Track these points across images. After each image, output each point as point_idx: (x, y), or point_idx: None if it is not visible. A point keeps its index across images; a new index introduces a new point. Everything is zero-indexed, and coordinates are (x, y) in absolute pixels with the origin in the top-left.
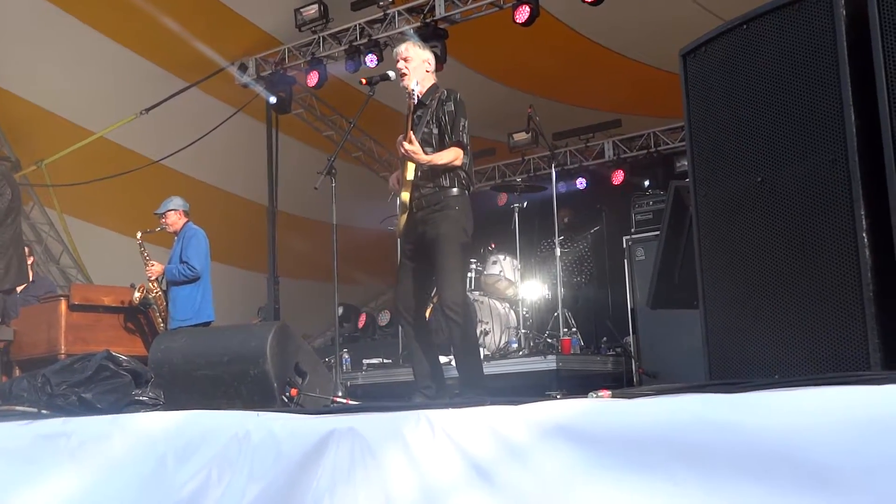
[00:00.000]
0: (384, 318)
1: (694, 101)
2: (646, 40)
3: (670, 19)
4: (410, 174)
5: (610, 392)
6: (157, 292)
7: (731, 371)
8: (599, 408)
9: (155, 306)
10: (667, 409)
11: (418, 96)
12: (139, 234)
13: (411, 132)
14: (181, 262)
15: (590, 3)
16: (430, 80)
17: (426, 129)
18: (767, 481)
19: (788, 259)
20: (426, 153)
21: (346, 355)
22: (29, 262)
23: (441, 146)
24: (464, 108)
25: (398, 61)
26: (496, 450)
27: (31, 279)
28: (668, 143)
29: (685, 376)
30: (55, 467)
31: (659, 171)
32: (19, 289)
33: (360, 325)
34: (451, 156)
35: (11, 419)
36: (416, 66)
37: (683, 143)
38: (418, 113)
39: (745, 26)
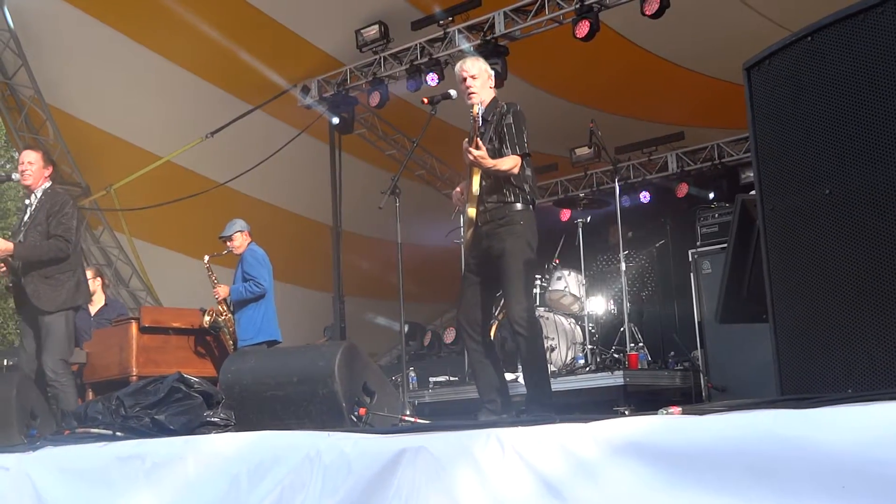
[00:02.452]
0: (449, 336)
1: (759, 114)
2: (706, 51)
3: (729, 29)
4: (476, 188)
5: (680, 408)
6: (226, 315)
7: (803, 386)
8: (670, 424)
9: (225, 329)
10: (739, 425)
11: (481, 113)
12: (206, 258)
13: (478, 139)
14: (245, 280)
15: (649, 16)
16: (491, 94)
17: (489, 145)
18: (844, 498)
19: (860, 271)
20: None
21: (412, 373)
22: (98, 283)
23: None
24: (523, 118)
25: (464, 79)
26: (567, 467)
27: (104, 302)
28: (732, 155)
29: (755, 390)
30: (131, 489)
31: (723, 183)
32: (93, 312)
33: (426, 342)
34: (511, 163)
35: (88, 441)
36: (483, 83)
37: (748, 155)
38: (481, 128)
39: (809, 38)
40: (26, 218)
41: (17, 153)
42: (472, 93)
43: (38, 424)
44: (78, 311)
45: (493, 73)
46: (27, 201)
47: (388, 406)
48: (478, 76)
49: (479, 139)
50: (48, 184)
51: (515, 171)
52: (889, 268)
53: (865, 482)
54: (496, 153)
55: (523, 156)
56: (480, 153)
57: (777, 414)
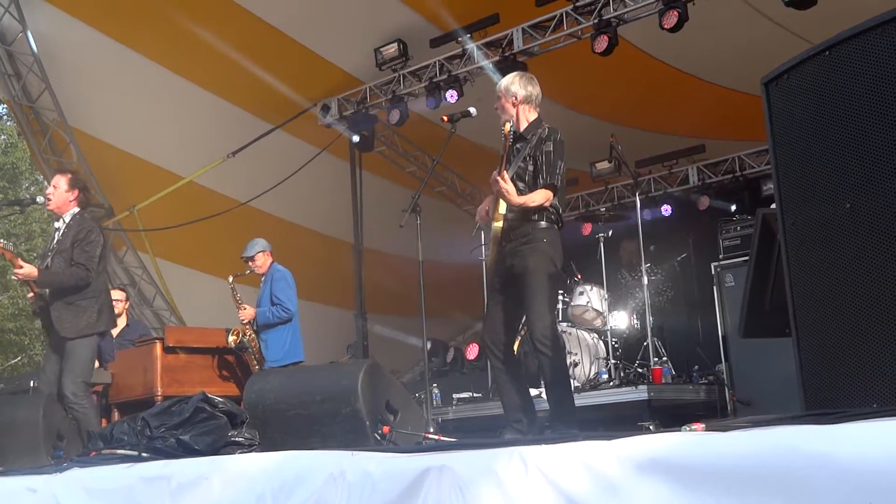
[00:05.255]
0: (472, 352)
1: (778, 129)
2: (725, 63)
3: (748, 41)
4: (502, 208)
5: (703, 425)
6: (251, 335)
7: (826, 401)
8: (693, 441)
9: (250, 349)
10: (762, 441)
11: (516, 131)
12: (231, 279)
13: (505, 171)
14: (273, 303)
15: (668, 30)
16: (532, 114)
17: (521, 164)
18: None
19: (882, 285)
20: (518, 189)
21: (435, 390)
22: (125, 305)
23: (534, 183)
24: (562, 149)
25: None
26: (590, 485)
27: (126, 323)
28: (753, 167)
29: (780, 403)
30: None
31: (745, 196)
32: (115, 333)
33: (449, 359)
34: (542, 198)
35: (114, 462)
36: (503, 104)
37: (769, 167)
38: (517, 146)
39: (827, 52)
40: (54, 243)
41: (41, 176)
42: (500, 113)
43: (65, 446)
44: (103, 336)
45: (521, 92)
46: (56, 224)
47: (411, 424)
48: (501, 97)
49: (505, 172)
50: (76, 209)
51: (547, 204)
52: None
53: (892, 499)
54: (527, 175)
55: (552, 188)
56: (507, 187)
57: (801, 430)
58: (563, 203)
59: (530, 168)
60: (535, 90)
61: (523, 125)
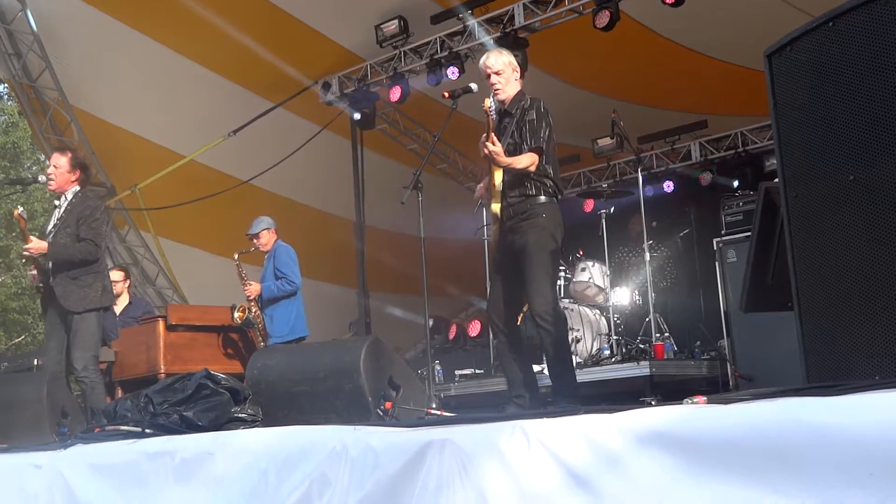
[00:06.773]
0: (474, 329)
1: (781, 102)
2: (727, 38)
3: (750, 16)
4: (498, 183)
5: (705, 398)
6: (256, 311)
7: (829, 373)
8: (695, 414)
9: (255, 326)
10: (764, 413)
11: (502, 107)
12: (236, 256)
13: (493, 135)
14: (277, 277)
15: (670, 5)
16: (516, 86)
17: (510, 140)
18: (871, 485)
19: (885, 257)
20: None
21: (438, 367)
22: (125, 284)
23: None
24: (546, 115)
25: (488, 76)
26: (592, 458)
27: (129, 301)
28: (756, 142)
29: (782, 379)
30: (161, 484)
31: (748, 171)
32: (118, 311)
33: (451, 336)
34: (528, 160)
35: (117, 439)
36: (508, 77)
37: (771, 142)
38: (504, 122)
39: (831, 23)
40: (56, 220)
41: (42, 156)
42: (497, 90)
43: (69, 423)
44: (106, 311)
45: (515, 62)
46: (56, 202)
47: (414, 400)
48: (502, 71)
49: (493, 134)
50: (77, 187)
51: (532, 168)
52: None
53: (893, 469)
54: (517, 149)
55: (538, 150)
56: (495, 149)
57: (803, 402)
58: (557, 170)
59: (517, 140)
60: None
61: (509, 99)
